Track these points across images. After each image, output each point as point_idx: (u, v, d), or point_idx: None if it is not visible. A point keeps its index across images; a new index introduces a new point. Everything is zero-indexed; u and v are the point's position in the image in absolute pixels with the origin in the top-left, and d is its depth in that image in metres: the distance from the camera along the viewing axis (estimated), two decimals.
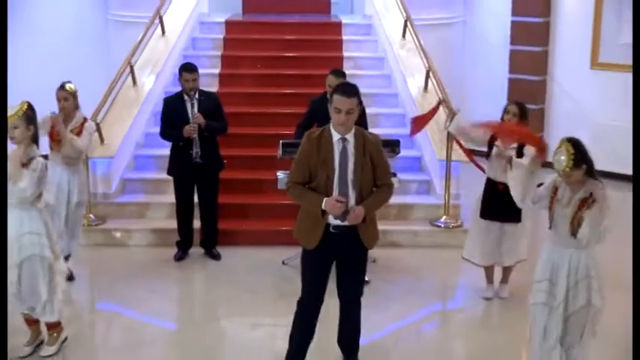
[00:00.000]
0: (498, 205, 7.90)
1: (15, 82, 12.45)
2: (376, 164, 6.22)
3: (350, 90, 6.08)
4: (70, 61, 12.83)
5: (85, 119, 8.40)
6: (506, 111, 8.13)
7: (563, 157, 5.84)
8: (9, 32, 12.61)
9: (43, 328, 7.21)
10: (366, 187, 6.20)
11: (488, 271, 8.42)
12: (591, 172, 5.99)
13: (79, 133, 8.30)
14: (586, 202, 5.91)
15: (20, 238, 6.73)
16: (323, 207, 6.07)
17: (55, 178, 7.99)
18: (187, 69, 8.97)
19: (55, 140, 8.16)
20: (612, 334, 7.37)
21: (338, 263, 6.47)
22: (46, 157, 7.24)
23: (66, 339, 7.20)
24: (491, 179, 8.10)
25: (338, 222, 6.18)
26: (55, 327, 7.07)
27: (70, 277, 8.51)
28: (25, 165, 6.67)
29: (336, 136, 6.13)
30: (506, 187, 7.65)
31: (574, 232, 5.92)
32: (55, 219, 7.93)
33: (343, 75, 9.16)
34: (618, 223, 6.41)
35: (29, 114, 6.69)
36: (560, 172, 5.90)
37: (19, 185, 6.62)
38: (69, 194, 8.24)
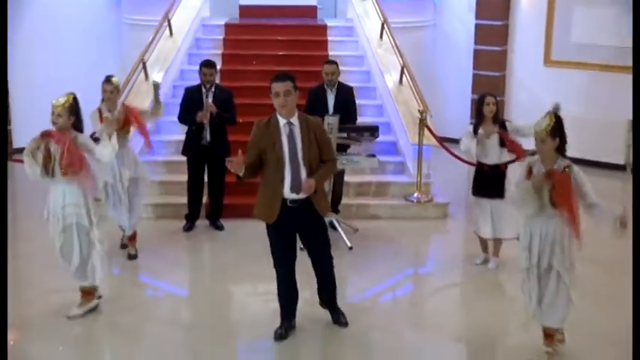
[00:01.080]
0: (485, 183, 8.02)
1: (38, 77, 12.57)
2: (320, 142, 6.32)
3: (283, 76, 6.20)
4: (87, 58, 12.86)
5: (124, 104, 8.44)
6: (485, 103, 8.12)
7: (545, 122, 5.91)
8: (34, 33, 12.78)
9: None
10: (314, 162, 6.28)
11: (482, 241, 8.42)
12: (562, 150, 6.03)
13: (126, 117, 8.23)
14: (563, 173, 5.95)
15: (63, 208, 6.81)
16: (232, 166, 6.08)
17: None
18: (206, 65, 9.17)
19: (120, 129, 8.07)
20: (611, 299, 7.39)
21: (301, 236, 6.57)
22: (97, 139, 7.28)
23: (96, 307, 7.20)
24: (480, 161, 8.15)
25: (294, 196, 6.25)
26: (87, 294, 7.13)
27: (133, 256, 8.54)
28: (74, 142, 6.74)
29: (282, 122, 6.21)
30: (491, 167, 7.89)
31: (552, 203, 5.95)
32: (109, 195, 8.20)
33: (335, 63, 9.39)
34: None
35: (73, 105, 6.75)
36: (537, 133, 5.92)
37: (102, 157, 6.90)
38: (120, 171, 8.19)
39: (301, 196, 6.25)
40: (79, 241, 6.92)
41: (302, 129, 6.25)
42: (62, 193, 6.83)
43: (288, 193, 6.23)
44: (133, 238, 8.54)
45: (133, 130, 8.43)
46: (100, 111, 8.19)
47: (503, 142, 7.96)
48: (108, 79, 8.26)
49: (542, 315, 6.23)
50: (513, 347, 6.60)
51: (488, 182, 8.04)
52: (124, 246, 8.62)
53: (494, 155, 8.00)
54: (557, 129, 5.94)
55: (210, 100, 9.04)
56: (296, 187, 6.21)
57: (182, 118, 9.29)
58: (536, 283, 6.18)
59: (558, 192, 5.89)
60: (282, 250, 6.47)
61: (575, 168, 5.98)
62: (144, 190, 8.66)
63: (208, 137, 9.09)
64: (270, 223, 6.36)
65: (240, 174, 6.13)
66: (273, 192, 6.26)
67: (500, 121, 8.18)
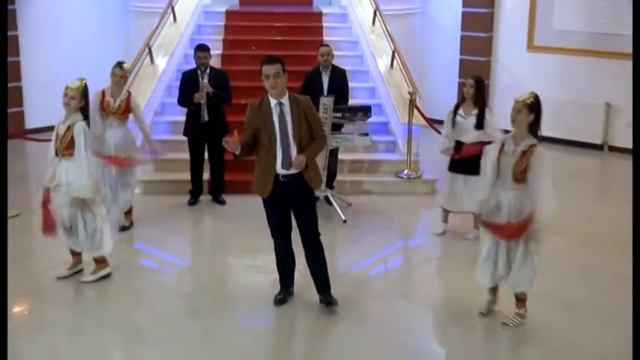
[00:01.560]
0: (461, 160, 7.99)
1: (48, 62, 12.58)
2: (310, 120, 6.34)
3: (272, 59, 6.21)
4: (94, 44, 12.88)
5: (129, 92, 8.46)
6: (465, 85, 8.17)
7: (526, 96, 6.02)
8: (45, 20, 12.76)
9: (89, 261, 7.25)
10: (304, 140, 6.29)
11: (445, 213, 8.48)
12: (535, 129, 6.09)
13: (127, 105, 8.32)
14: (526, 154, 6.02)
15: (69, 183, 6.82)
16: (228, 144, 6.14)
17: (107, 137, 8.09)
18: (200, 49, 9.20)
19: (106, 110, 8.19)
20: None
21: (292, 208, 6.54)
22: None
23: (108, 275, 7.24)
24: (457, 140, 8.13)
25: (285, 171, 6.28)
26: (99, 262, 7.18)
27: (126, 227, 8.57)
28: (68, 130, 6.76)
29: (273, 102, 6.22)
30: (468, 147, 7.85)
31: (515, 178, 6.04)
32: (104, 172, 8.09)
33: (328, 46, 9.42)
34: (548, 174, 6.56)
35: (85, 90, 6.81)
36: (516, 103, 6.01)
37: (79, 156, 6.74)
38: (117, 151, 8.22)
39: (292, 171, 6.29)
40: (83, 216, 6.97)
41: (292, 108, 6.27)
42: (66, 170, 6.87)
43: (280, 169, 6.28)
44: (128, 213, 8.59)
45: (131, 116, 8.49)
46: (103, 93, 8.22)
47: (479, 125, 7.96)
48: (120, 64, 8.29)
49: (513, 282, 6.32)
50: (491, 311, 6.63)
51: (465, 160, 8.00)
52: (124, 227, 8.58)
53: (471, 135, 8.00)
54: (535, 106, 6.03)
55: (205, 80, 9.07)
56: (287, 163, 6.26)
57: (181, 101, 9.32)
58: (505, 253, 6.28)
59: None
60: (277, 221, 6.53)
61: (539, 150, 6.04)
62: (136, 171, 8.71)
63: (206, 117, 9.12)
64: (265, 198, 6.44)
65: (237, 152, 6.20)
66: (266, 168, 6.32)
67: (480, 105, 8.12)
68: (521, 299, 6.39)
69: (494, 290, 6.54)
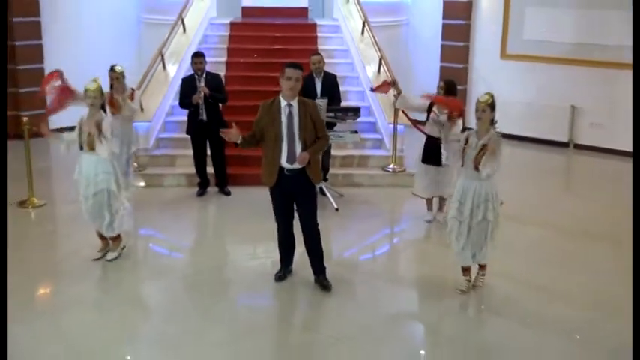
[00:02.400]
0: (433, 153, 8.08)
1: (69, 66, 12.38)
2: (315, 122, 6.37)
3: (296, 65, 6.29)
4: (111, 52, 12.27)
5: (133, 89, 8.58)
6: (438, 85, 8.35)
7: (486, 97, 6.20)
8: (67, 30, 12.67)
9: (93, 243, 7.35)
10: (309, 139, 6.32)
11: (429, 202, 8.56)
12: (493, 122, 6.27)
13: (131, 98, 8.52)
14: (485, 147, 6.17)
15: (95, 176, 6.94)
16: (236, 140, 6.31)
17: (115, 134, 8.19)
18: (196, 55, 9.27)
19: (115, 106, 8.27)
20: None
21: (295, 199, 6.58)
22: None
23: (124, 247, 7.38)
24: (429, 135, 8.21)
25: (289, 166, 6.33)
26: (115, 239, 7.30)
27: None
28: (98, 128, 6.79)
29: (283, 103, 6.26)
30: (439, 140, 7.78)
31: (476, 168, 6.20)
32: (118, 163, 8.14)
33: (319, 54, 9.42)
34: (514, 165, 6.64)
35: (101, 87, 6.91)
36: (480, 104, 6.19)
37: (106, 150, 6.82)
38: (128, 145, 8.42)
39: (296, 166, 6.32)
40: (109, 203, 7.07)
41: (300, 110, 6.29)
42: (95, 164, 6.95)
43: (285, 164, 6.32)
44: None
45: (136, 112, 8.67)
46: (111, 94, 8.30)
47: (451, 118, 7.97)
48: (112, 68, 8.47)
49: (476, 256, 6.56)
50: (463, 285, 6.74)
51: (436, 152, 8.08)
52: None
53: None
54: (494, 104, 6.23)
55: (202, 84, 9.05)
56: (291, 158, 6.30)
57: (181, 103, 9.34)
58: (466, 232, 6.44)
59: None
60: (281, 209, 6.59)
61: (495, 137, 6.23)
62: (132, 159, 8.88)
63: (204, 115, 9.12)
64: (271, 187, 6.50)
65: (238, 142, 6.28)
66: (271, 162, 6.36)
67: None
68: (483, 266, 6.69)
69: (467, 270, 6.70)
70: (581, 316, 6.37)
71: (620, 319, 6.16)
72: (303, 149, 6.32)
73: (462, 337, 6.05)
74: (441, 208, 8.49)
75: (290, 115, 6.28)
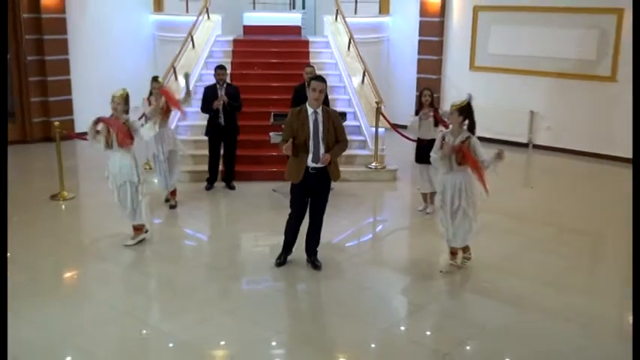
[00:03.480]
0: (424, 153, 7.99)
1: (93, 79, 12.45)
2: (336, 127, 6.46)
3: (322, 78, 6.47)
4: (129, 65, 12.79)
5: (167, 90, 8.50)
6: (423, 94, 8.31)
7: (458, 102, 6.35)
8: (91, 45, 12.66)
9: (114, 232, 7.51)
10: (331, 142, 6.41)
11: (425, 196, 8.61)
12: (471, 128, 6.42)
13: (167, 107, 8.38)
14: (463, 144, 6.35)
15: (120, 170, 7.10)
16: (283, 149, 6.33)
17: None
18: (220, 67, 9.29)
19: (162, 113, 8.22)
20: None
21: (313, 191, 6.60)
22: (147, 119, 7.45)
23: (143, 239, 7.45)
24: (420, 138, 8.36)
25: (314, 164, 6.39)
26: (137, 229, 7.40)
27: (173, 206, 8.69)
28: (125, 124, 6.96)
29: (310, 111, 6.34)
30: (429, 142, 7.85)
31: (458, 162, 6.34)
32: (156, 161, 8.37)
33: (312, 66, 9.47)
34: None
35: (127, 97, 7.02)
36: (451, 107, 6.35)
37: (145, 136, 7.10)
38: (162, 146, 8.39)
39: (319, 165, 6.41)
40: (131, 194, 7.21)
41: (324, 117, 6.36)
42: (119, 160, 7.10)
43: (310, 163, 6.39)
44: (173, 193, 8.71)
45: (172, 114, 8.60)
46: (149, 100, 8.41)
47: (436, 123, 8.16)
48: (155, 79, 8.49)
49: (454, 240, 6.74)
50: (444, 267, 6.91)
51: (426, 153, 7.97)
52: (167, 200, 8.78)
53: (430, 133, 8.18)
54: (464, 110, 6.34)
55: (222, 93, 9.14)
56: (316, 158, 6.38)
57: (203, 108, 9.36)
58: (449, 219, 6.63)
59: (464, 157, 6.33)
60: (299, 202, 6.64)
61: (473, 139, 6.38)
62: (180, 159, 8.83)
63: (222, 121, 9.19)
64: (295, 183, 6.55)
65: (289, 154, 6.35)
66: (301, 161, 6.40)
67: (434, 107, 8.39)
68: (467, 249, 6.85)
69: (454, 254, 6.84)
70: (534, 289, 6.55)
71: (570, 293, 6.44)
72: (326, 151, 6.40)
73: (436, 309, 6.23)
74: (432, 201, 8.50)
75: (316, 122, 6.35)
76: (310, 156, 6.41)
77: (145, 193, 7.39)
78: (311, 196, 6.68)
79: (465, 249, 6.88)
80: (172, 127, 9.36)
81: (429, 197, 8.57)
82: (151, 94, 8.51)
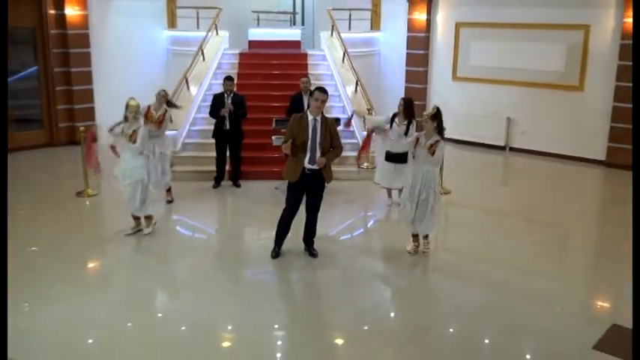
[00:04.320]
0: (394, 156, 8.34)
1: (113, 87, 12.30)
2: (332, 134, 6.53)
3: (324, 90, 6.50)
4: (145, 75, 12.61)
5: (166, 110, 8.54)
6: (399, 104, 8.42)
7: (429, 111, 6.59)
8: (112, 58, 12.64)
9: (143, 222, 7.59)
10: (326, 147, 6.48)
11: (389, 191, 8.80)
12: (440, 131, 6.63)
13: (162, 118, 8.43)
14: (433, 145, 6.58)
15: (131, 170, 7.24)
16: (283, 148, 6.42)
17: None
18: (227, 79, 9.41)
19: (156, 123, 8.30)
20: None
21: (307, 192, 6.68)
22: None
23: (155, 223, 7.60)
24: (387, 150, 8.47)
25: (309, 166, 6.46)
26: (149, 218, 7.58)
27: (170, 201, 8.76)
28: (133, 135, 7.12)
29: (310, 117, 6.42)
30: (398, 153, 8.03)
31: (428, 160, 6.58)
32: (157, 163, 8.29)
33: (307, 77, 9.55)
34: (463, 163, 6.82)
35: (139, 107, 7.22)
36: (424, 116, 6.54)
37: (140, 148, 7.13)
38: (154, 148, 8.30)
39: (315, 167, 6.47)
40: (141, 190, 7.36)
41: (322, 124, 6.41)
42: (131, 160, 7.25)
43: (307, 164, 6.47)
44: (169, 190, 8.78)
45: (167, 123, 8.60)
46: (149, 107, 8.36)
47: (406, 132, 8.11)
48: (159, 93, 8.48)
49: (420, 228, 6.89)
50: (416, 251, 7.08)
51: (396, 155, 8.25)
52: (169, 202, 8.80)
53: (400, 144, 7.99)
54: (434, 116, 6.58)
55: (229, 101, 9.24)
56: (312, 160, 6.46)
57: (211, 113, 9.44)
58: (415, 209, 6.80)
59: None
60: (294, 199, 6.68)
61: (441, 143, 6.63)
62: (168, 158, 8.72)
63: (228, 126, 9.28)
64: (292, 182, 6.61)
65: (288, 152, 6.42)
66: (298, 162, 6.47)
67: (409, 118, 8.32)
68: (427, 237, 7.02)
69: (415, 237, 7.05)
70: (506, 273, 6.71)
71: (539, 277, 6.58)
72: (322, 154, 6.47)
73: (418, 290, 6.38)
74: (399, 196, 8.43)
75: (315, 128, 6.42)
76: (307, 158, 6.47)
77: (149, 188, 7.58)
78: (307, 195, 6.71)
79: (427, 237, 7.04)
80: (174, 133, 9.52)
81: (399, 192, 8.53)
82: (225, 91, 8.63)
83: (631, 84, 10.74)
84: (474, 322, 5.66)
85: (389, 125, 8.44)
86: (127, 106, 7.19)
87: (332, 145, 6.56)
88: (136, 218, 7.64)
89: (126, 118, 7.26)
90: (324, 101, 6.40)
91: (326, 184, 6.77)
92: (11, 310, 5.54)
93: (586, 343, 5.25)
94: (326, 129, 6.47)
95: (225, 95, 9.34)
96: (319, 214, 6.87)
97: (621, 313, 5.77)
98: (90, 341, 5.27)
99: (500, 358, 5.13)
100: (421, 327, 5.55)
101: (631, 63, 10.77)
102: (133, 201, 7.42)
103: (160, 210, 8.48)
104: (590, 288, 6.64)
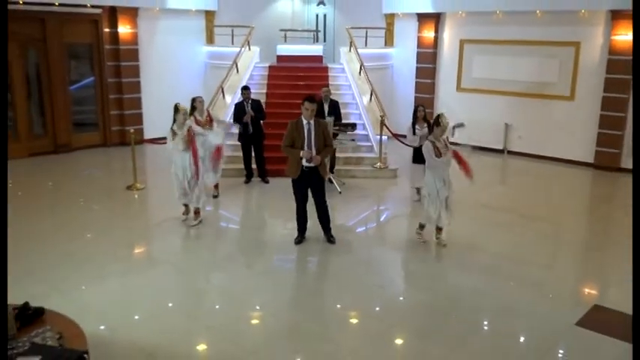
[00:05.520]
0: (419, 156, 8.02)
1: (159, 94, 12.52)
2: (325, 135, 6.54)
3: (313, 99, 6.50)
4: (186, 84, 12.72)
5: (209, 111, 8.65)
6: (419, 110, 8.40)
7: (447, 120, 6.59)
8: (158, 69, 12.68)
9: (192, 213, 7.62)
10: (321, 146, 6.50)
11: (418, 189, 8.60)
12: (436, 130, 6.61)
13: (210, 117, 8.45)
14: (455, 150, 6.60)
15: (187, 166, 7.30)
16: (300, 155, 6.47)
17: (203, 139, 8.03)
18: (244, 88, 9.45)
19: (207, 124, 8.33)
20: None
21: (310, 187, 6.71)
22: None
23: (201, 221, 7.60)
24: (415, 145, 8.38)
25: (307, 164, 6.52)
26: (197, 213, 7.58)
27: (216, 196, 8.75)
28: (188, 131, 7.15)
29: (304, 122, 6.46)
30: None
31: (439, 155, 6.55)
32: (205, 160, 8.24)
33: (327, 87, 9.50)
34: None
35: (187, 109, 7.32)
36: (444, 125, 6.51)
37: (209, 136, 7.37)
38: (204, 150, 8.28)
39: (312, 164, 6.53)
40: (195, 186, 7.44)
41: (315, 127, 6.47)
42: (186, 159, 7.32)
43: (304, 162, 6.54)
44: (216, 186, 8.85)
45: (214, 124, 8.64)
46: (194, 117, 8.29)
47: (430, 132, 8.11)
48: (196, 98, 8.43)
49: (439, 220, 6.88)
50: (433, 242, 7.08)
51: (421, 156, 8.09)
52: (215, 196, 8.80)
53: (424, 140, 7.92)
54: (436, 121, 6.59)
55: (249, 108, 9.22)
56: (308, 159, 6.53)
57: (235, 120, 9.45)
58: (438, 204, 6.78)
59: (457, 157, 6.63)
60: (298, 193, 6.76)
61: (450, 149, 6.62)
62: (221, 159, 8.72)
63: (251, 129, 9.29)
64: (294, 179, 6.68)
65: (308, 158, 6.45)
66: (298, 161, 6.54)
67: (427, 121, 8.39)
68: (441, 229, 6.98)
69: (439, 229, 7.03)
70: (499, 261, 6.70)
71: (529, 264, 6.55)
72: (317, 153, 6.52)
73: (422, 274, 6.40)
74: (418, 193, 8.49)
75: (309, 130, 6.48)
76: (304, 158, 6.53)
77: (204, 184, 7.66)
78: (311, 190, 6.74)
79: (440, 229, 7.02)
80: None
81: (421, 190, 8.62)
82: (194, 109, 8.39)
83: (617, 94, 10.69)
84: (471, 300, 5.67)
85: (415, 140, 8.39)
86: (178, 109, 7.20)
87: (325, 143, 6.58)
88: (185, 206, 7.63)
89: (175, 120, 7.29)
90: (313, 110, 6.41)
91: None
92: (72, 286, 5.76)
93: (570, 321, 5.27)
94: (319, 130, 6.48)
95: (245, 103, 9.30)
96: (328, 202, 6.89)
97: (603, 296, 5.79)
98: (138, 312, 5.39)
99: (494, 331, 5.17)
100: (424, 303, 5.62)
101: (618, 76, 10.71)
102: (188, 194, 7.41)
103: (206, 203, 8.45)
104: (576, 275, 6.64)
